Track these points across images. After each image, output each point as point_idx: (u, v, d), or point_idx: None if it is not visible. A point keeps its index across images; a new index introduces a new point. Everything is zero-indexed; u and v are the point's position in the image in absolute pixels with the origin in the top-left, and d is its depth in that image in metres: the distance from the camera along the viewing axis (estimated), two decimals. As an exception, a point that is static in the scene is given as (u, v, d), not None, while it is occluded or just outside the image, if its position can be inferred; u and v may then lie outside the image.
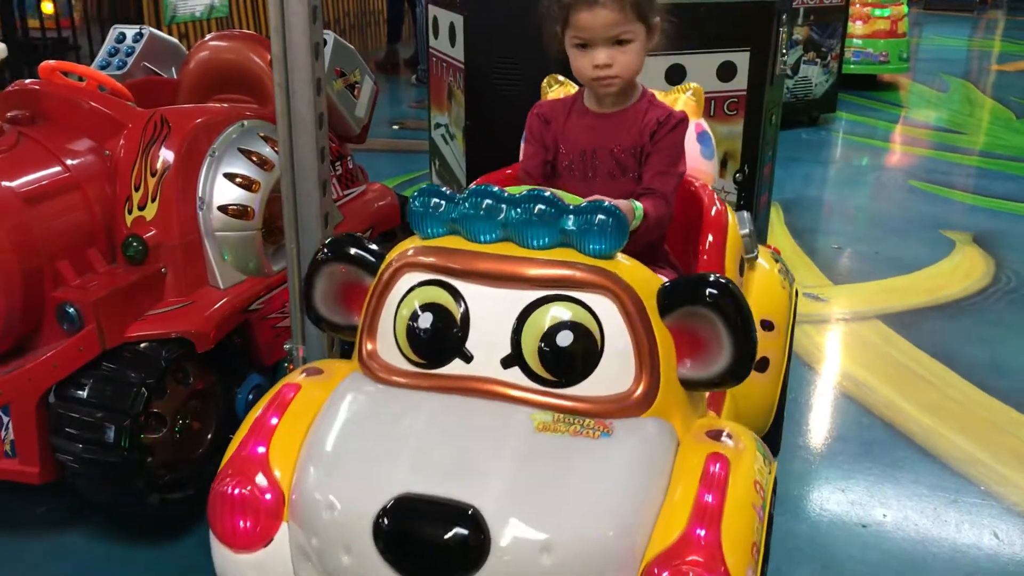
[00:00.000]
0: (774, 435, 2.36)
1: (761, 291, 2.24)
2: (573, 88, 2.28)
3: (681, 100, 2.30)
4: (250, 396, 2.46)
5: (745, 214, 2.23)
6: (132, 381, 2.16)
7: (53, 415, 2.16)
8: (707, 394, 1.76)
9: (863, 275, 4.22)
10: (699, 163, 2.25)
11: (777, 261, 2.41)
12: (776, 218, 4.70)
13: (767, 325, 2.17)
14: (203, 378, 2.34)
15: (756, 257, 2.27)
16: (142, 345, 2.22)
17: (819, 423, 3.00)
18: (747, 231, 2.19)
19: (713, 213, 2.07)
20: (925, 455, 2.79)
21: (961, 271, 4.20)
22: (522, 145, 2.06)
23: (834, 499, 2.57)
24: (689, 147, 2.10)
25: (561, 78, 2.30)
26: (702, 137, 2.27)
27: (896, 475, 2.68)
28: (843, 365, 3.40)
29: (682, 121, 1.90)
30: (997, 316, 3.74)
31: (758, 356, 2.06)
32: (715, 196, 2.14)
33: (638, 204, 1.76)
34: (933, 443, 2.85)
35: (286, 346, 2.23)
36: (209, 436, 2.37)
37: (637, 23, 1.81)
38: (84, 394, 2.14)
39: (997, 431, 2.92)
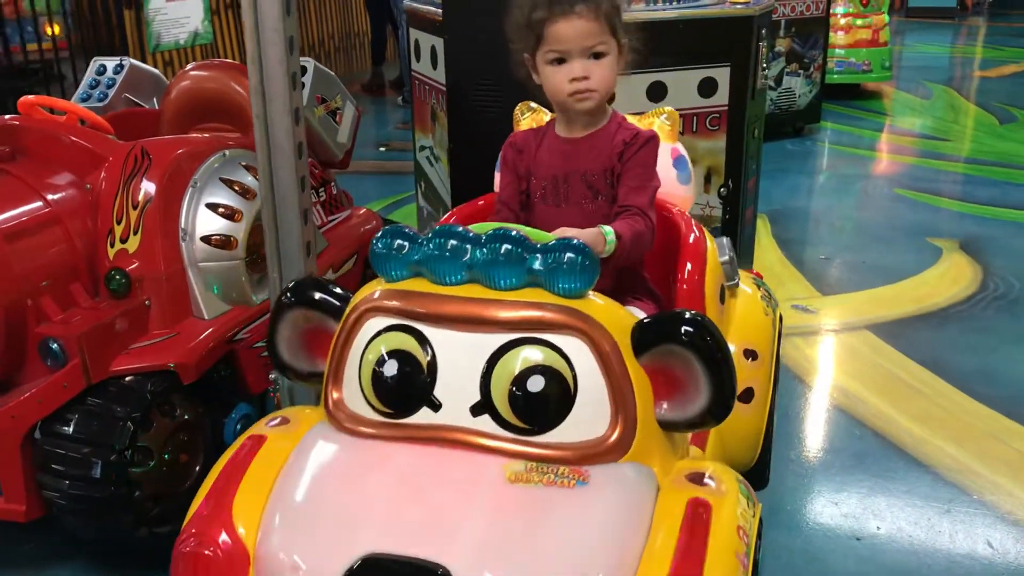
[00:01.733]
0: (762, 466, 2.34)
1: (743, 319, 2.21)
2: (545, 114, 2.28)
3: (656, 124, 2.28)
4: (238, 426, 2.45)
5: (725, 240, 2.20)
6: (118, 415, 2.14)
7: (39, 451, 2.14)
8: (690, 433, 1.73)
9: (851, 285, 4.22)
10: (676, 188, 2.22)
11: (759, 287, 2.38)
12: (763, 230, 4.71)
13: (750, 354, 2.14)
14: (190, 410, 2.33)
15: (737, 284, 2.25)
16: (127, 379, 2.21)
17: (810, 435, 2.99)
18: (727, 258, 2.17)
19: (691, 240, 2.05)
20: (917, 465, 2.78)
21: (948, 279, 4.21)
22: (496, 175, 2.05)
23: (827, 512, 2.57)
24: (665, 172, 2.08)
25: (533, 105, 2.29)
26: (679, 162, 2.25)
27: (889, 486, 2.67)
28: (833, 376, 3.40)
29: (651, 139, 1.88)
30: (985, 323, 3.75)
31: (743, 387, 2.05)
32: (693, 223, 2.12)
33: (607, 228, 1.72)
34: (925, 452, 2.84)
35: (271, 376, 2.22)
36: (197, 468, 2.35)
37: (611, 37, 1.82)
38: (70, 430, 2.13)
39: (989, 439, 2.92)
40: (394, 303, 1.49)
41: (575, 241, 1.44)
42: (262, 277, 2.51)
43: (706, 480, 1.48)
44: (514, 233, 1.44)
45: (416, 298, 1.47)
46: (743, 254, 3.66)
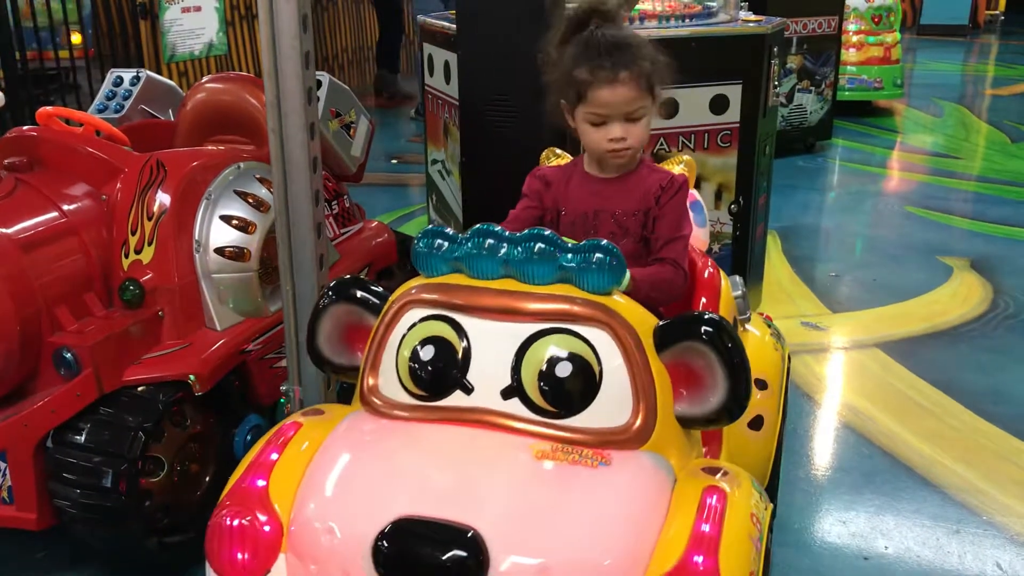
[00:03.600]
0: (770, 493, 2.36)
1: (754, 351, 2.23)
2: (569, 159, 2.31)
3: (676, 171, 2.35)
4: (248, 437, 2.46)
5: (737, 278, 2.28)
6: (130, 425, 2.16)
7: (51, 460, 2.16)
8: (702, 442, 1.77)
9: (861, 303, 4.22)
10: (693, 231, 2.29)
11: (769, 327, 2.43)
12: (773, 246, 4.71)
13: (760, 384, 2.18)
14: (201, 421, 2.35)
15: (749, 319, 2.30)
16: (139, 389, 2.22)
17: (819, 454, 2.99)
18: (739, 293, 2.23)
19: (706, 276, 2.11)
20: (926, 484, 2.78)
21: (959, 297, 4.20)
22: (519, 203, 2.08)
23: (835, 531, 2.56)
24: None
25: (559, 152, 2.34)
26: (694, 206, 2.33)
27: (897, 506, 2.67)
28: (842, 394, 3.40)
29: (684, 184, 1.96)
30: (996, 343, 3.74)
31: (753, 414, 2.11)
32: (709, 261, 2.19)
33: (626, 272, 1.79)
34: (934, 472, 2.84)
35: (283, 387, 2.24)
36: (208, 479, 2.37)
37: (648, 96, 1.86)
38: (82, 439, 2.15)
39: (998, 459, 2.91)
40: (433, 295, 1.57)
41: (604, 242, 1.53)
42: (274, 289, 2.53)
43: (720, 474, 1.55)
44: (547, 233, 1.53)
45: (454, 290, 1.56)
46: (754, 270, 3.67)
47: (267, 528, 1.45)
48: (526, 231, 1.54)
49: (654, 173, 1.96)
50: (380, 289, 1.69)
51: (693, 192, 2.33)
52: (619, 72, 1.81)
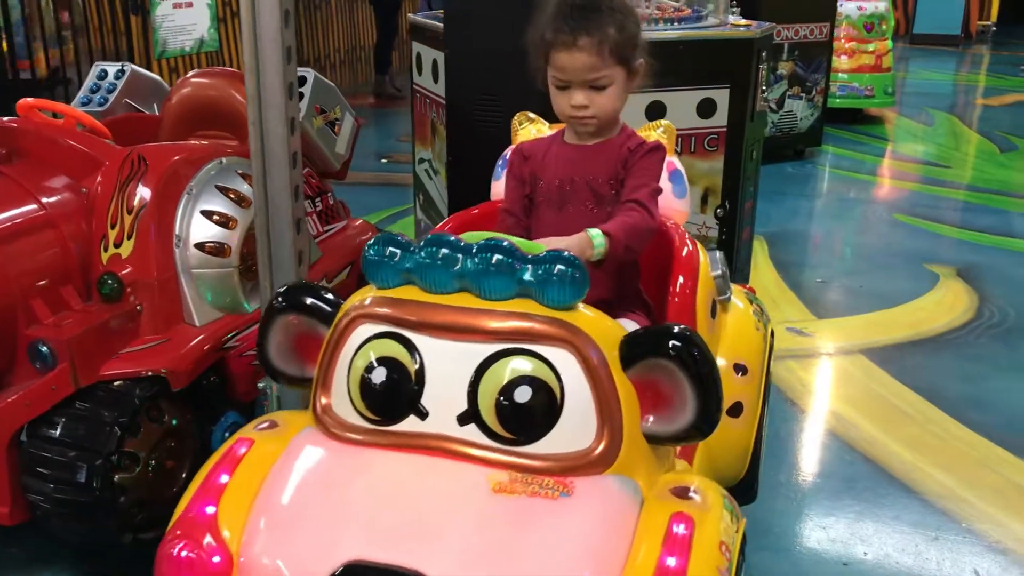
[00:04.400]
0: (750, 481, 2.34)
1: (735, 333, 2.21)
2: (544, 124, 2.29)
3: (652, 136, 2.30)
4: (226, 434, 2.44)
5: (718, 254, 2.21)
6: (105, 420, 2.14)
7: (25, 455, 2.14)
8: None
9: (847, 309, 4.22)
10: (671, 202, 2.22)
11: (752, 302, 2.38)
12: (760, 251, 4.71)
13: (740, 369, 2.14)
14: (178, 416, 2.33)
15: (729, 298, 2.25)
16: (116, 383, 2.20)
17: (801, 459, 2.98)
18: (719, 272, 2.17)
19: (684, 254, 2.05)
20: (907, 491, 2.78)
21: (944, 305, 4.21)
22: (492, 185, 2.05)
23: (815, 537, 2.56)
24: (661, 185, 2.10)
25: (532, 115, 2.31)
26: (674, 176, 2.26)
27: (878, 512, 2.66)
28: (826, 400, 3.40)
29: (655, 148, 1.91)
30: (980, 351, 3.74)
31: (732, 401, 2.05)
32: (687, 236, 2.13)
33: (595, 231, 1.74)
34: (915, 479, 2.84)
35: (260, 384, 2.22)
36: (184, 475, 2.35)
37: (616, 66, 1.82)
38: (56, 433, 2.13)
39: (979, 467, 2.91)
40: (384, 310, 1.50)
41: (566, 254, 1.45)
42: (255, 285, 2.51)
43: (691, 494, 1.49)
44: (505, 243, 1.44)
45: (406, 306, 1.48)
46: (739, 274, 3.66)
47: (216, 559, 1.40)
48: (483, 240, 1.46)
49: (629, 140, 1.92)
50: (332, 297, 1.61)
51: (673, 160, 2.26)
52: (579, 37, 1.76)
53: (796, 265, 4.76)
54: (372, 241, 1.52)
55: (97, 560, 2.36)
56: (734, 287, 2.33)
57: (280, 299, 1.63)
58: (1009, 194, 6.13)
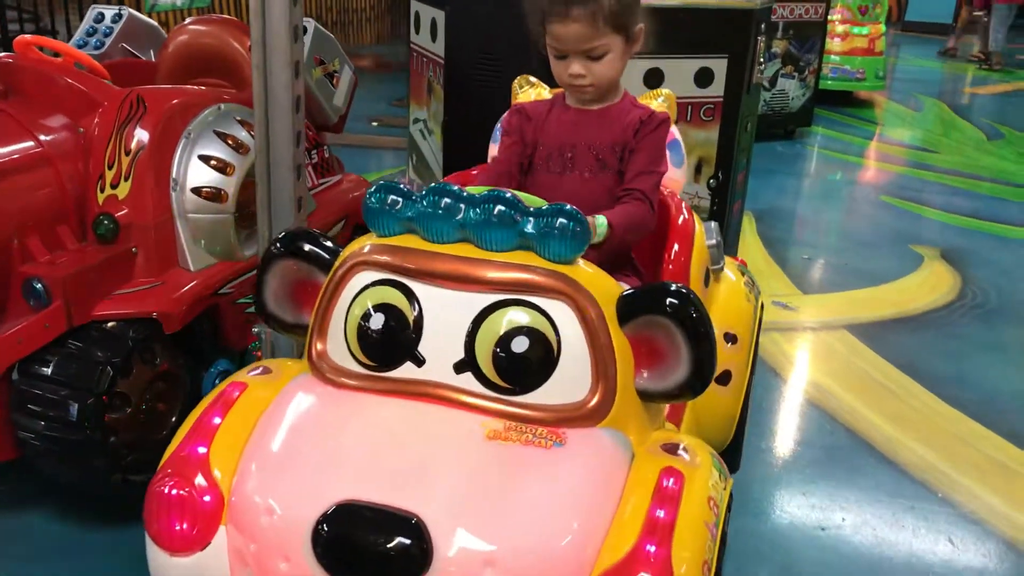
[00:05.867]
0: (735, 449, 2.37)
1: (726, 303, 2.23)
2: (544, 89, 2.28)
3: (653, 106, 2.30)
4: (217, 380, 2.45)
5: (713, 224, 2.22)
6: (98, 359, 2.14)
7: (15, 392, 2.14)
8: (667, 406, 1.74)
9: (832, 286, 4.27)
10: (669, 170, 2.23)
11: (743, 274, 2.40)
12: (748, 227, 4.74)
13: (730, 338, 2.16)
14: (170, 360, 2.33)
15: (722, 268, 2.27)
16: (109, 324, 2.20)
17: (783, 428, 3.03)
18: (714, 241, 2.19)
19: (680, 222, 2.06)
20: (886, 462, 2.82)
21: (928, 285, 4.26)
22: (491, 146, 2.04)
23: (795, 502, 2.60)
24: None
25: (532, 79, 2.30)
26: (672, 145, 2.25)
27: (857, 480, 2.71)
28: (809, 373, 3.44)
29: (664, 121, 1.91)
30: (962, 330, 3.80)
31: (721, 369, 2.07)
32: (683, 205, 2.14)
33: (600, 218, 1.74)
34: (894, 451, 2.88)
35: (255, 329, 2.23)
36: (174, 419, 2.35)
37: (613, 35, 1.81)
38: (48, 371, 2.13)
39: (958, 442, 2.96)
40: (384, 257, 1.49)
41: (568, 207, 1.45)
42: (250, 234, 2.51)
43: (680, 451, 1.50)
44: (508, 195, 1.44)
45: (406, 254, 1.48)
46: (728, 247, 3.68)
47: (207, 498, 1.39)
48: (485, 191, 1.46)
49: (636, 108, 1.92)
50: (331, 244, 1.61)
51: (672, 130, 2.27)
52: (572, 8, 1.75)
53: (783, 242, 4.80)
54: (373, 189, 1.51)
55: (85, 502, 2.37)
56: (727, 259, 2.35)
57: (279, 244, 1.61)
58: (995, 180, 6.19)
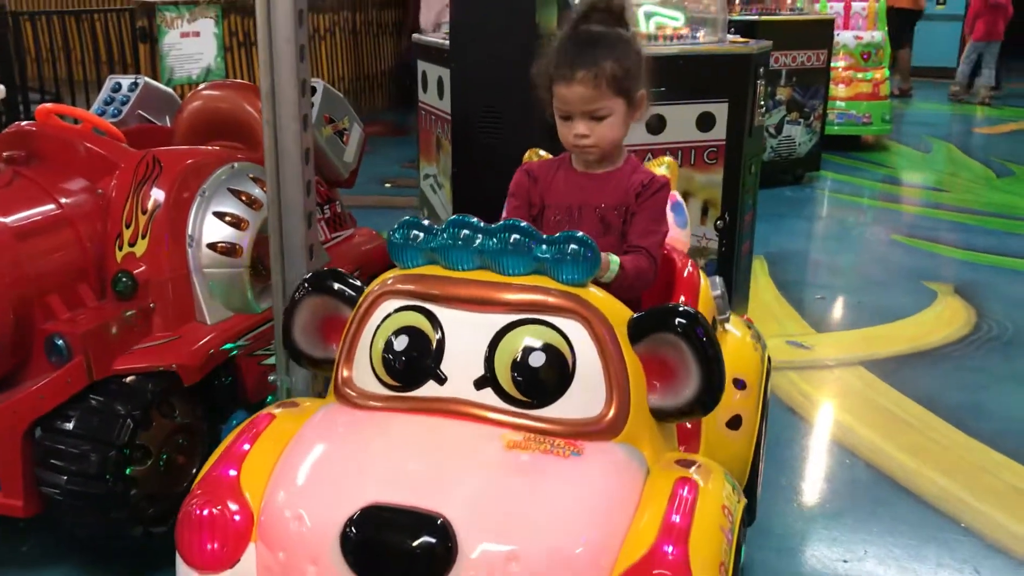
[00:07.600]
0: (750, 498, 2.38)
1: (734, 351, 2.25)
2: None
3: (658, 172, 2.38)
4: (235, 432, 2.48)
5: (717, 278, 2.30)
6: (118, 413, 2.18)
7: (39, 447, 2.18)
8: (676, 432, 1.78)
9: (846, 324, 4.27)
10: (674, 231, 2.32)
11: (750, 328, 2.46)
12: (760, 270, 4.76)
13: (739, 384, 2.20)
14: (189, 412, 2.37)
15: (728, 319, 2.33)
16: (129, 378, 2.25)
17: (803, 464, 3.02)
18: (719, 293, 2.25)
19: (686, 274, 2.15)
20: (907, 494, 2.81)
21: (943, 320, 4.25)
22: (506, 204, 2.11)
23: (816, 536, 2.59)
24: None
25: (542, 152, 2.38)
26: (676, 208, 2.36)
27: (878, 513, 2.70)
28: (826, 410, 3.43)
29: (665, 185, 1.99)
30: (978, 363, 3.79)
31: (731, 414, 2.12)
32: (689, 261, 2.22)
33: (615, 258, 1.81)
34: (915, 483, 2.87)
35: (271, 378, 2.26)
36: (194, 471, 2.38)
37: (615, 98, 1.88)
38: (70, 425, 2.17)
39: (978, 471, 2.94)
40: (408, 286, 1.59)
41: (579, 234, 1.54)
42: (265, 287, 2.56)
43: (693, 467, 1.55)
44: (523, 224, 1.55)
45: (429, 281, 1.58)
46: (739, 288, 3.71)
47: (237, 517, 1.45)
48: (501, 223, 1.55)
49: (637, 172, 2.00)
50: (357, 282, 1.70)
51: (674, 193, 2.36)
52: (577, 71, 1.84)
53: (796, 283, 4.81)
54: (397, 226, 1.61)
55: (108, 557, 2.39)
56: (733, 317, 2.40)
57: (307, 283, 1.71)
58: (1006, 216, 6.20)
